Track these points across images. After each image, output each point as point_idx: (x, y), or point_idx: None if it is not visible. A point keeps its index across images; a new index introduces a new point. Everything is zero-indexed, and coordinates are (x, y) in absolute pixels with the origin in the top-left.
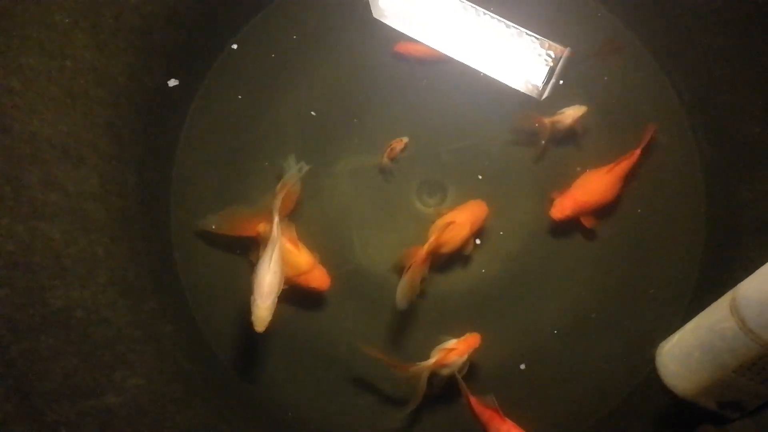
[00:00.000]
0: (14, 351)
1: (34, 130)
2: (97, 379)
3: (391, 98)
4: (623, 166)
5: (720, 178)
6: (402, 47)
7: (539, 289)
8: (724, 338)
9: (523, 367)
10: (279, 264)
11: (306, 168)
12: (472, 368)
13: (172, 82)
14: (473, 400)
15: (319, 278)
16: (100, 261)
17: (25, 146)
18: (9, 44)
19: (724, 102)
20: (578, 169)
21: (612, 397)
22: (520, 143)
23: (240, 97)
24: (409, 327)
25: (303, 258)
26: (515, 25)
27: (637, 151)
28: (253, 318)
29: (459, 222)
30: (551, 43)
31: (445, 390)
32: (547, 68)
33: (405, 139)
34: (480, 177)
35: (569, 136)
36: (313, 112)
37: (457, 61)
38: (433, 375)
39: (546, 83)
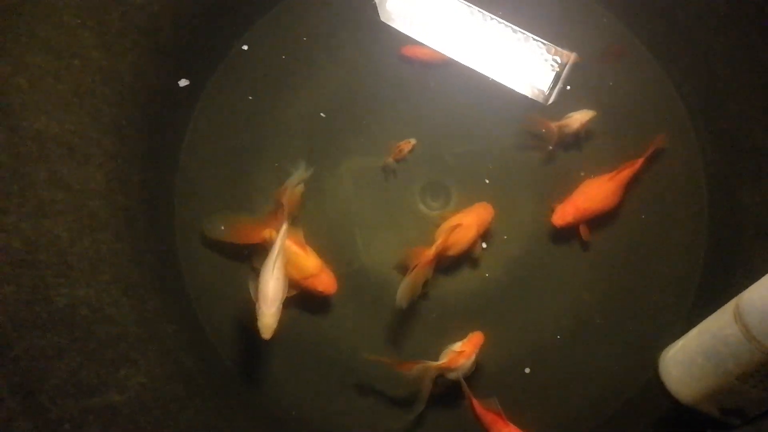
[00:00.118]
0: (19, 348)
1: (41, 128)
2: (100, 377)
3: (397, 100)
4: (625, 174)
5: (723, 184)
6: (409, 50)
7: (542, 293)
8: (727, 345)
9: (527, 371)
10: (282, 270)
11: (309, 171)
12: (474, 371)
13: (183, 82)
14: (476, 402)
15: (325, 282)
16: (104, 259)
17: (31, 144)
18: (17, 43)
19: (729, 107)
20: (582, 174)
21: (614, 402)
22: (527, 147)
23: (246, 97)
24: (411, 328)
25: (310, 261)
26: (522, 30)
27: (640, 160)
28: (259, 325)
29: (465, 224)
30: (557, 48)
31: (449, 391)
32: (554, 73)
33: (412, 141)
34: (487, 181)
35: (576, 140)
36: (322, 114)
37: (464, 65)
38: (440, 377)
39: (552, 88)
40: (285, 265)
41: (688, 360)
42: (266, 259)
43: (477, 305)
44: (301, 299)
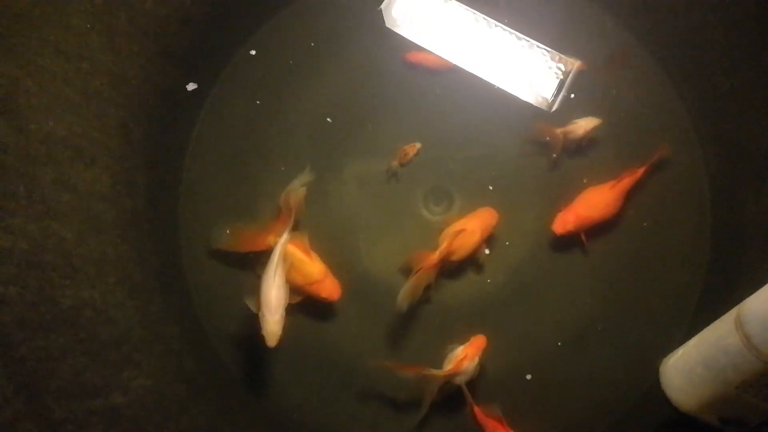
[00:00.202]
0: (25, 349)
1: (49, 130)
2: (104, 379)
3: (402, 106)
4: (626, 182)
5: (727, 192)
6: (414, 56)
7: (544, 299)
8: (727, 354)
9: (529, 377)
10: (283, 277)
11: (311, 175)
12: (476, 376)
13: (191, 86)
14: (477, 409)
15: (330, 288)
16: (109, 261)
17: (39, 146)
18: (27, 45)
19: (733, 116)
20: (585, 180)
21: (614, 410)
22: (530, 154)
23: (252, 101)
24: (412, 333)
25: (315, 267)
26: (526, 38)
27: (641, 169)
28: (264, 333)
29: (470, 229)
30: (562, 55)
31: (450, 396)
32: (558, 81)
33: (418, 145)
34: (491, 188)
35: (579, 147)
36: (329, 119)
37: (468, 72)
38: (446, 383)
39: (556, 96)
40: (286, 272)
41: (688, 368)
42: (266, 267)
43: (479, 310)
44: (304, 304)
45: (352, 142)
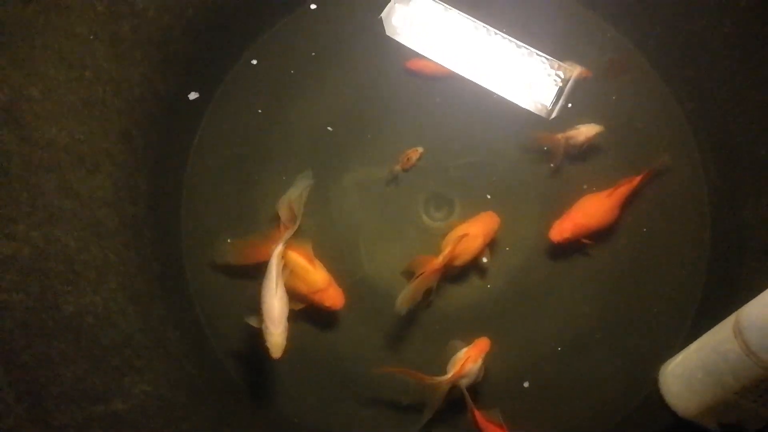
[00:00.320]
0: (26, 355)
1: (52, 137)
2: (106, 384)
3: (402, 114)
4: (623, 190)
5: (725, 200)
6: (414, 64)
7: (543, 305)
8: (726, 360)
9: (526, 384)
10: (283, 288)
11: (309, 183)
12: (473, 384)
13: (193, 95)
14: (478, 414)
15: (333, 297)
16: (111, 267)
17: (42, 153)
18: (30, 54)
19: (732, 123)
20: (584, 187)
21: (614, 415)
22: (529, 160)
23: (253, 109)
24: (413, 338)
25: (318, 276)
26: (525, 45)
27: (638, 177)
28: (268, 345)
29: (472, 234)
30: (561, 63)
31: (452, 400)
32: (557, 88)
33: (420, 149)
34: (491, 194)
35: (579, 153)
36: (329, 127)
37: (468, 79)
38: (453, 387)
39: (555, 103)
40: (288, 280)
41: (687, 374)
42: (265, 279)
43: (479, 316)
44: (306, 311)
45: (352, 150)
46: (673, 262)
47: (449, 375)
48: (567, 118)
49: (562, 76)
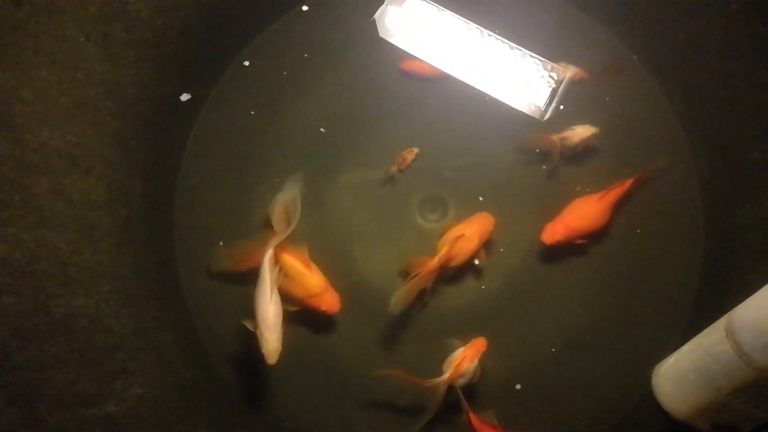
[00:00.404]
0: (18, 358)
1: (44, 140)
2: (98, 388)
3: (396, 115)
4: (615, 193)
5: (719, 201)
6: (407, 65)
7: (538, 306)
8: (719, 361)
9: (518, 387)
10: (277, 294)
11: (300, 186)
12: (468, 385)
13: (185, 97)
14: (473, 416)
15: (329, 301)
16: (104, 270)
17: (34, 156)
18: (22, 56)
19: (726, 126)
20: (578, 188)
21: (607, 418)
22: (523, 162)
23: (246, 110)
24: (409, 340)
25: (315, 280)
26: (519, 47)
27: (631, 180)
28: (264, 351)
29: (468, 234)
30: (554, 64)
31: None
32: (550, 89)
33: (416, 150)
34: (485, 196)
35: (576, 154)
36: (322, 129)
37: (461, 81)
38: (450, 387)
39: (548, 104)
40: (284, 284)
41: (680, 376)
42: (260, 285)
43: (474, 317)
44: (301, 314)
45: (346, 152)
46: (667, 264)
47: (446, 376)
48: (561, 119)
49: (556, 78)
